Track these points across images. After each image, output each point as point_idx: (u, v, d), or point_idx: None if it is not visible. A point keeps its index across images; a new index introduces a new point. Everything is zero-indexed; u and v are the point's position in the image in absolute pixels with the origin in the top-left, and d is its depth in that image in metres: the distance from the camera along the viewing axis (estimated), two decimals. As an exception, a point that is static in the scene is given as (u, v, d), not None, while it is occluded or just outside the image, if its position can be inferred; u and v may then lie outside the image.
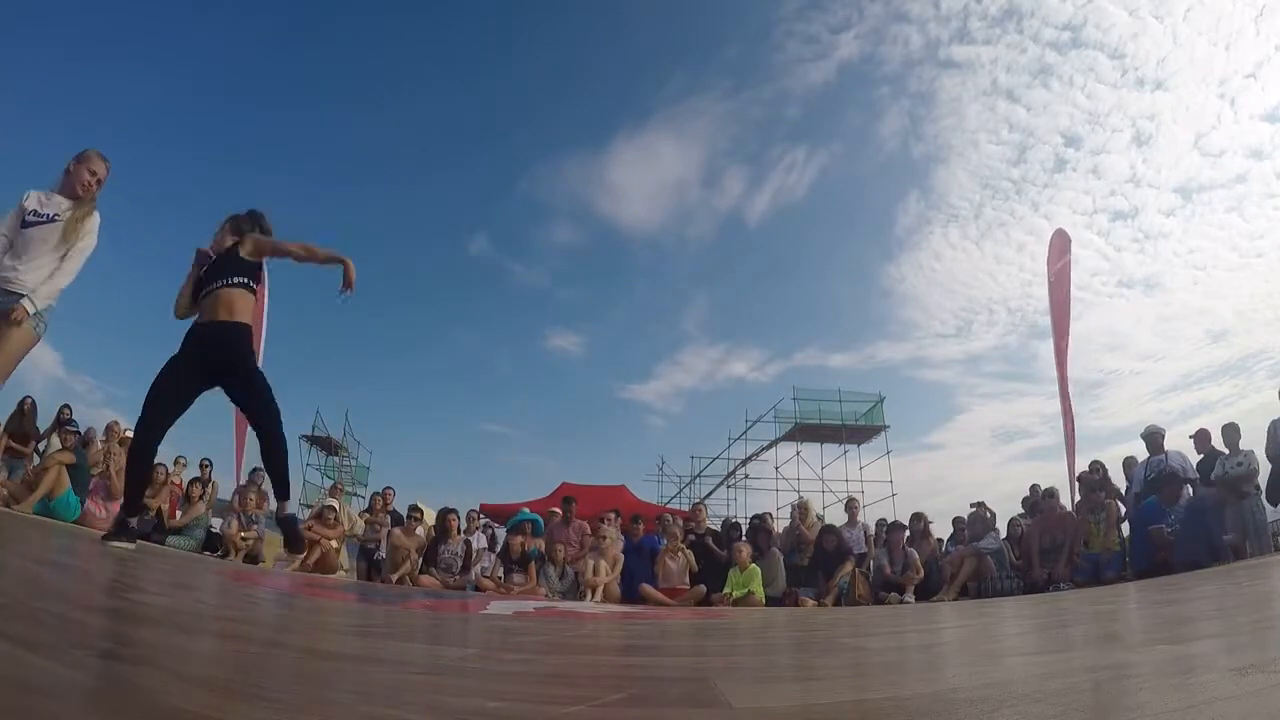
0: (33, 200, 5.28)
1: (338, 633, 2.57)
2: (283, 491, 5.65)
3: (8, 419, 10.91)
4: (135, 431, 5.23)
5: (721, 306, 46.17)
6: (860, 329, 53.27)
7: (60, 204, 5.31)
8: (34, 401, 11.20)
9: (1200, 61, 33.07)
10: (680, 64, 47.50)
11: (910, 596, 9.16)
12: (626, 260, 45.55)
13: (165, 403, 5.13)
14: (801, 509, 10.98)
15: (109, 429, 10.61)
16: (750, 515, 13.32)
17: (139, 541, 5.71)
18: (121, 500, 8.89)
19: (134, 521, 5.35)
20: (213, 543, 10.07)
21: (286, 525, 5.77)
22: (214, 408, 5.40)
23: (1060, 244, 14.09)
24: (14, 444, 10.77)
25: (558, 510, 10.82)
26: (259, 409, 5.33)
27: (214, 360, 5.23)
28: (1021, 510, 11.06)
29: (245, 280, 5.36)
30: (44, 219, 5.23)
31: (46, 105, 33.74)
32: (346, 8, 40.91)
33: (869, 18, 38.87)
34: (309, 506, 12.06)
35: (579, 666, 2.16)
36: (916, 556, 9.58)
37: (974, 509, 10.31)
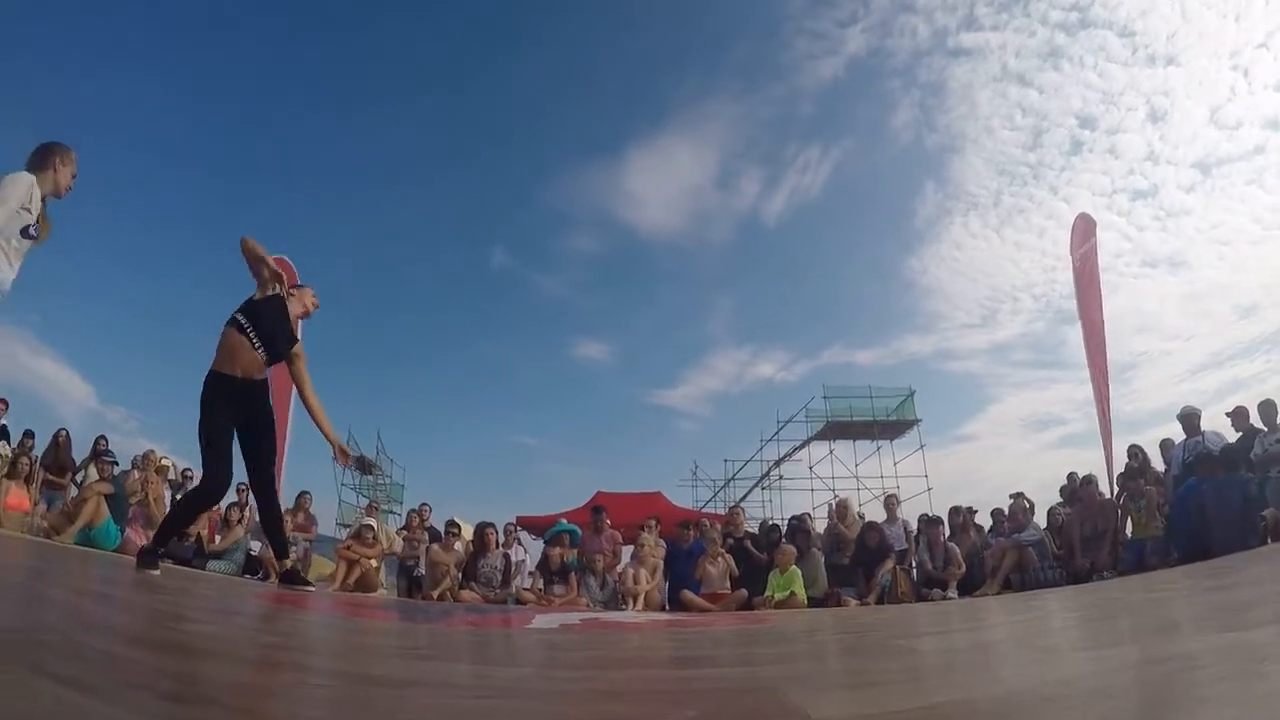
0: (35, 203, 4.75)
1: (390, 657, 2.54)
2: (283, 551, 6.27)
3: (43, 452, 11.10)
4: (205, 488, 5.37)
5: (745, 308, 46.18)
6: (885, 324, 53.33)
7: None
8: (68, 434, 11.42)
9: (1211, 34, 32.68)
10: (689, 68, 47.44)
11: (953, 592, 9.07)
12: (648, 266, 45.58)
13: (228, 455, 5.31)
14: (841, 508, 10.94)
15: (146, 457, 10.75)
16: (788, 516, 13.24)
17: (181, 567, 5.81)
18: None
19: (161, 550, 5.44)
20: (252, 565, 10.14)
21: (290, 578, 6.15)
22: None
23: (1084, 229, 13.86)
24: (51, 476, 10.95)
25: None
26: (267, 467, 5.68)
27: (247, 414, 5.41)
28: (1060, 499, 10.95)
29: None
30: (33, 238, 4.77)
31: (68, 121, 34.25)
32: (361, 23, 41.18)
33: (875, 10, 38.90)
34: (346, 526, 12.10)
35: (637, 681, 2.11)
36: (958, 551, 9.49)
37: (1013, 500, 10.20)
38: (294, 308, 5.66)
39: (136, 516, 9.52)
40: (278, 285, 5.53)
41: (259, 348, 5.36)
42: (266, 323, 5.41)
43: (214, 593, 5.12)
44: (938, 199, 42.22)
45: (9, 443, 10.93)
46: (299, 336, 5.78)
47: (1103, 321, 12.91)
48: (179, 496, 9.35)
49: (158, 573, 5.02)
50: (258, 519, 10.90)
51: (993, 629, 3.75)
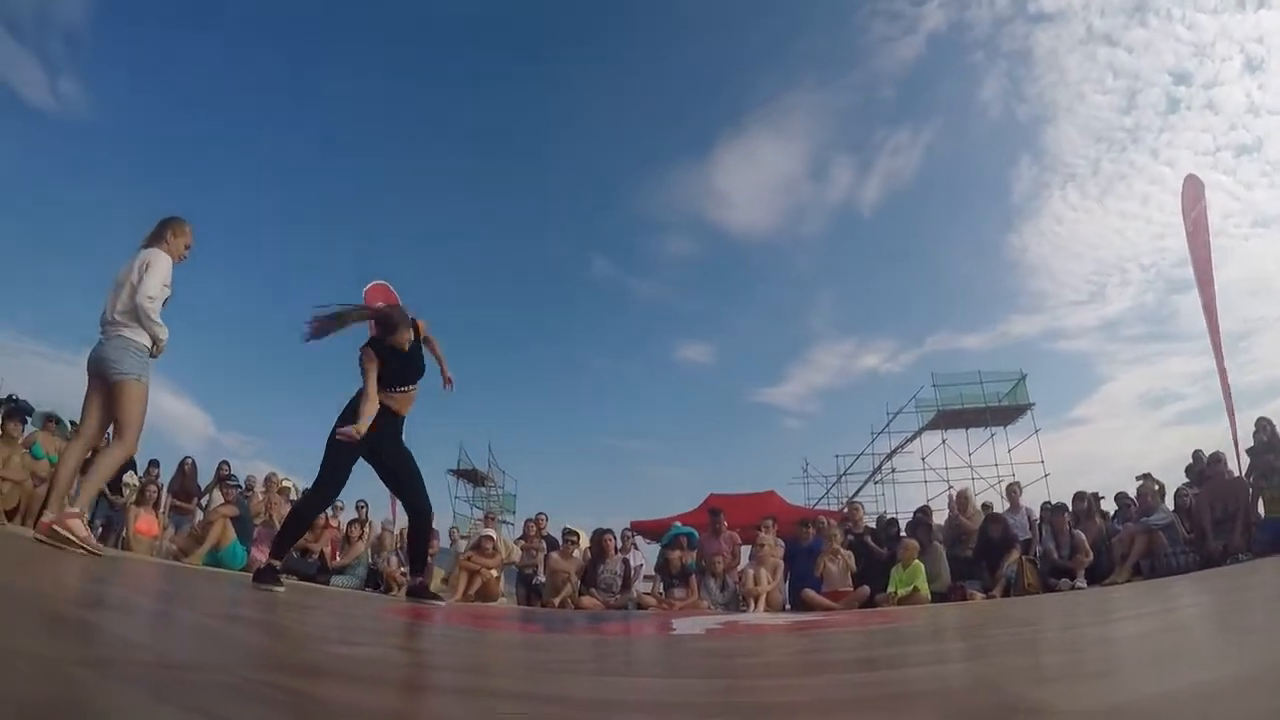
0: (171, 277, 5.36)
1: (553, 672, 2.47)
2: (419, 568, 6.35)
3: (170, 479, 11.64)
4: (315, 496, 5.63)
5: (845, 300, 45.43)
6: (990, 306, 51.93)
7: None
8: (194, 462, 11.98)
9: (1303, -30, 30.81)
10: (769, 62, 46.54)
11: (1082, 581, 8.76)
12: (745, 265, 45.25)
13: (346, 475, 5.53)
14: (961, 499, 10.72)
15: (268, 480, 11.19)
16: (906, 510, 13.03)
17: (306, 582, 5.95)
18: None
19: (278, 564, 5.61)
20: (373, 579, 10.40)
21: (418, 592, 6.24)
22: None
23: (1193, 191, 13.39)
24: (178, 502, 11.47)
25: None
26: (423, 494, 5.93)
27: (383, 445, 5.65)
28: (1186, 479, 10.51)
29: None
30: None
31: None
32: (459, 40, 41.84)
33: (949, -17, 37.66)
34: (464, 538, 12.34)
35: (846, 687, 1.99)
36: (1084, 538, 9.15)
37: (1141, 482, 9.82)
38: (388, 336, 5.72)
39: (261, 537, 9.82)
40: (377, 330, 5.75)
41: (407, 385, 5.68)
42: (392, 362, 5.63)
43: (342, 608, 5.21)
44: (1034, 172, 40.83)
45: (136, 472, 11.43)
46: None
47: (1213, 285, 12.42)
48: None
49: (281, 589, 5.19)
50: (377, 534, 11.24)
51: (1152, 616, 3.61)
